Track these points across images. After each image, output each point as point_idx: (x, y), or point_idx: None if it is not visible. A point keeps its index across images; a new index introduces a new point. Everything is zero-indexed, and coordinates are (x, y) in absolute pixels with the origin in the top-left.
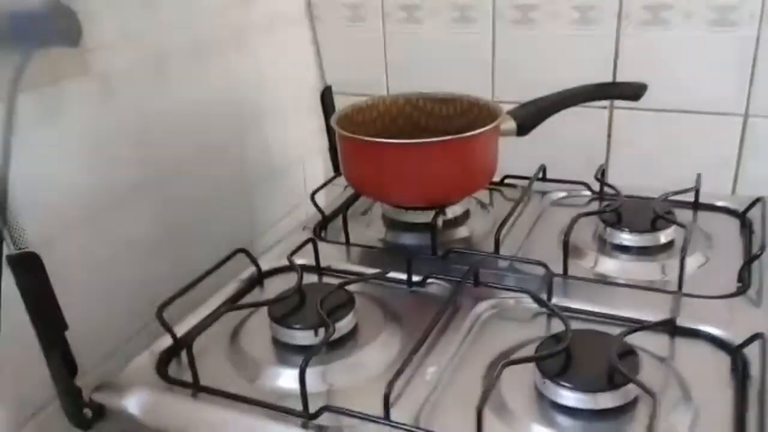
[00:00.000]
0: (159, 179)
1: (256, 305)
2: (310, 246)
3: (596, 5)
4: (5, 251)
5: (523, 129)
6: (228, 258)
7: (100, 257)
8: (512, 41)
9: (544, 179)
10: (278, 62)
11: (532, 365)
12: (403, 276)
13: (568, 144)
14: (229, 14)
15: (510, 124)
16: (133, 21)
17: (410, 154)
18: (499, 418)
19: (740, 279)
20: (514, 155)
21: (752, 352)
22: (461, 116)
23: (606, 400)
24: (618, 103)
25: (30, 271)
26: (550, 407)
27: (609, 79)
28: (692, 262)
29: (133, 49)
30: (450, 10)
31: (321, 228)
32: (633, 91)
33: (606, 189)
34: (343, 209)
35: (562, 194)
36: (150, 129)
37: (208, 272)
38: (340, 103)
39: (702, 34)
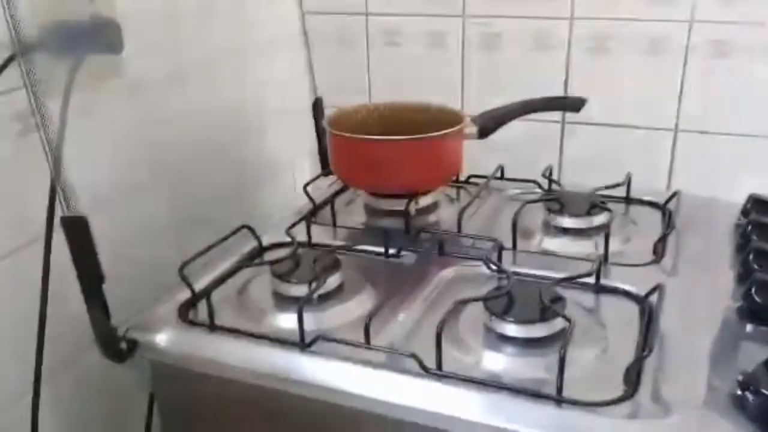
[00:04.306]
0: (170, 172)
1: (263, 263)
2: (303, 226)
3: (550, 34)
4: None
5: (483, 132)
6: (236, 231)
7: (119, 233)
8: (479, 63)
9: (502, 178)
10: (277, 77)
11: (482, 310)
12: (381, 249)
13: (528, 153)
14: (238, 35)
15: (472, 129)
16: (158, 35)
17: (388, 149)
18: (457, 348)
19: (654, 252)
20: (485, 159)
21: (656, 300)
22: (432, 122)
23: (538, 330)
24: (568, 117)
25: (79, 232)
26: (496, 338)
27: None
28: (618, 240)
29: (157, 59)
30: (426, 35)
31: (312, 214)
32: (575, 105)
33: (553, 186)
34: (330, 199)
35: (518, 191)
36: (166, 128)
37: (221, 240)
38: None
39: (638, 60)
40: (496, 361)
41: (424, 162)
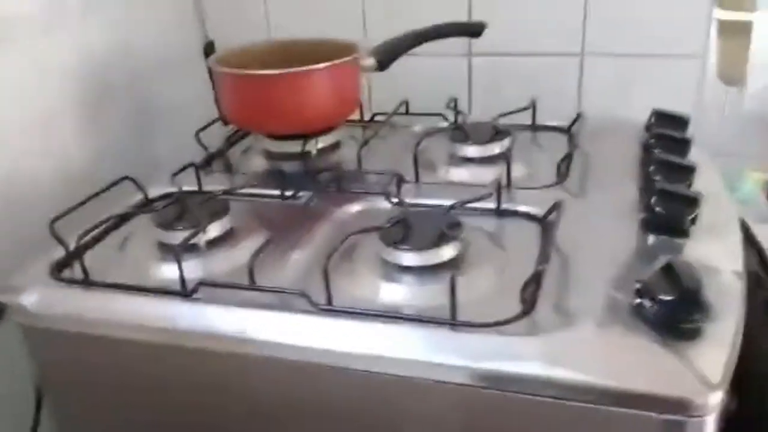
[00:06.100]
0: (52, 121)
1: (142, 212)
2: (194, 176)
3: None
4: None
5: (382, 64)
6: (115, 183)
7: None
8: None
9: (407, 113)
10: (164, 18)
11: (378, 241)
12: (277, 192)
13: (436, 90)
14: None
15: (370, 61)
16: None
17: (277, 83)
18: (351, 281)
19: (558, 173)
20: (392, 99)
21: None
22: (327, 56)
23: (433, 257)
24: (475, 49)
25: None
26: (392, 269)
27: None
28: (523, 165)
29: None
30: None
31: (207, 163)
32: (475, 29)
33: (460, 118)
34: (225, 146)
35: (425, 127)
36: (48, 76)
37: (96, 194)
38: None
39: None
40: (392, 293)
41: (318, 96)
